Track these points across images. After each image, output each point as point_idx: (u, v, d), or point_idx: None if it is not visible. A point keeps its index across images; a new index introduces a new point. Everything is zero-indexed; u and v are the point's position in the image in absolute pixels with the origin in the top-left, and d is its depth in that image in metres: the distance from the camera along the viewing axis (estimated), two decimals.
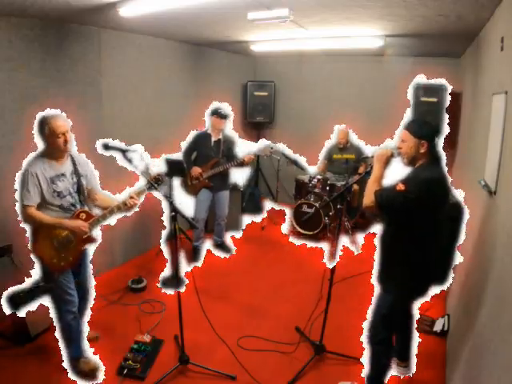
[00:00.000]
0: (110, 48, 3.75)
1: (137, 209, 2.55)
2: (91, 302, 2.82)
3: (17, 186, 2.37)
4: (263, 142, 5.01)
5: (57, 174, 2.39)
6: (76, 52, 3.41)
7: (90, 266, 2.73)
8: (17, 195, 2.38)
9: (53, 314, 2.55)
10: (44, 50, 3.13)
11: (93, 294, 2.82)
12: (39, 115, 2.36)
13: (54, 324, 2.58)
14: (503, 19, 2.34)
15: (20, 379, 2.53)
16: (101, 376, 2.55)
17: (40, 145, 2.39)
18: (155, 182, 2.49)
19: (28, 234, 2.43)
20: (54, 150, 2.37)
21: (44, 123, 2.30)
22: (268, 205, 5.90)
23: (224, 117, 4.04)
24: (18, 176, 2.36)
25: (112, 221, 2.60)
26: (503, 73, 2.27)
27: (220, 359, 2.77)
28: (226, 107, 4.17)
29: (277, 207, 5.77)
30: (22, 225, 2.42)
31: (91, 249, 2.65)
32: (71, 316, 2.51)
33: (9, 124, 2.98)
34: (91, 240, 2.51)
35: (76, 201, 2.48)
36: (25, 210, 2.32)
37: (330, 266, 2.68)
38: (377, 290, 2.32)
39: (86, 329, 2.88)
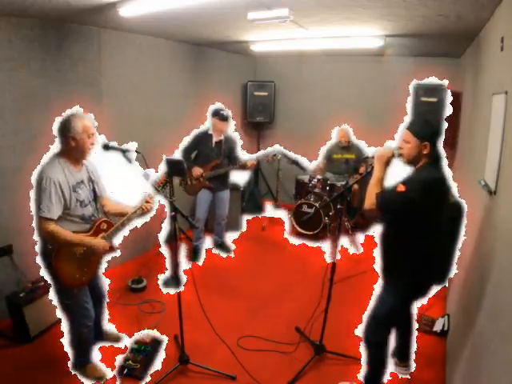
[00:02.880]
0: (110, 48, 3.75)
1: (153, 213, 2.49)
2: (106, 302, 2.82)
3: (35, 193, 2.14)
4: (267, 149, 5.02)
5: (77, 181, 2.25)
6: (76, 52, 3.41)
7: (102, 270, 2.69)
8: (33, 204, 2.15)
9: (66, 325, 2.46)
10: (44, 50, 3.13)
11: (106, 295, 2.80)
12: (66, 114, 2.21)
13: (65, 334, 2.52)
14: (503, 19, 2.34)
15: (20, 379, 2.53)
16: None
17: (59, 147, 2.23)
18: (163, 185, 2.45)
19: (40, 247, 2.24)
20: (77, 151, 2.20)
21: (73, 121, 2.14)
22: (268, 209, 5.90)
23: (225, 119, 4.03)
24: (37, 182, 2.13)
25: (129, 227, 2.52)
26: (503, 73, 2.27)
27: (220, 359, 2.77)
28: (227, 109, 4.15)
29: (275, 213, 5.77)
30: (36, 237, 2.24)
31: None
32: (87, 329, 2.45)
33: (9, 124, 2.98)
34: (112, 250, 2.43)
35: (94, 209, 2.38)
36: (45, 224, 2.08)
37: (330, 261, 2.67)
38: (376, 290, 2.32)
39: (109, 330, 2.93)
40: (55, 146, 2.27)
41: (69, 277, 2.25)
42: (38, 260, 2.28)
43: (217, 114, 4.02)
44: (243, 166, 4.17)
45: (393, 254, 2.21)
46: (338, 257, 2.70)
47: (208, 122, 4.18)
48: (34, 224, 2.22)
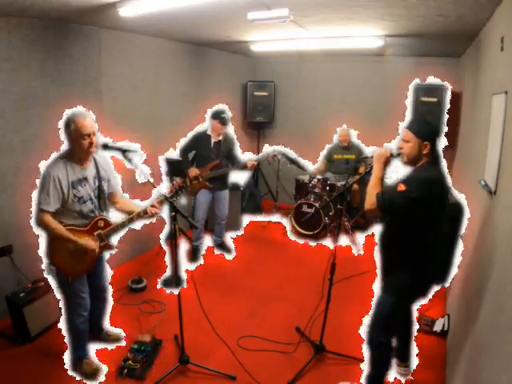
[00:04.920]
0: (110, 48, 3.75)
1: (157, 218, 2.51)
2: (110, 301, 2.85)
3: (38, 185, 2.26)
4: (267, 148, 4.97)
5: (79, 178, 2.31)
6: (76, 52, 3.41)
7: (106, 266, 2.72)
8: (34, 196, 2.28)
9: (62, 314, 2.52)
10: (44, 50, 3.13)
11: (110, 292, 2.82)
12: (66, 113, 2.27)
13: (61, 324, 2.56)
14: (503, 19, 2.34)
15: (20, 379, 2.53)
16: (101, 377, 2.55)
17: (65, 145, 2.31)
18: (179, 190, 2.46)
19: (42, 237, 2.35)
20: (77, 151, 2.28)
21: (70, 122, 2.21)
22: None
23: (226, 123, 4.02)
24: (41, 176, 2.25)
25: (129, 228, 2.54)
26: (503, 73, 2.27)
27: (220, 359, 2.77)
28: (228, 111, 4.12)
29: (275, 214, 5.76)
30: (35, 229, 2.33)
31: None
32: (81, 319, 2.49)
33: (9, 124, 2.98)
34: (108, 247, 2.48)
35: (96, 206, 2.42)
36: (40, 215, 2.22)
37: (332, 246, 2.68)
38: (377, 290, 2.32)
39: (109, 329, 2.94)
40: (64, 145, 2.34)
41: (63, 265, 2.35)
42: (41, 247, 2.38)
43: (218, 117, 3.99)
44: (243, 167, 4.17)
45: (393, 255, 2.21)
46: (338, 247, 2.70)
47: (207, 123, 4.16)
48: (32, 214, 2.31)
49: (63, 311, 2.51)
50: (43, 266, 2.42)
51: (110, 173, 2.54)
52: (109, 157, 2.54)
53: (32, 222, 2.32)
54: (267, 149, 4.69)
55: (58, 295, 2.50)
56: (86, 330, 2.59)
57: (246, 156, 4.43)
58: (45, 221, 2.22)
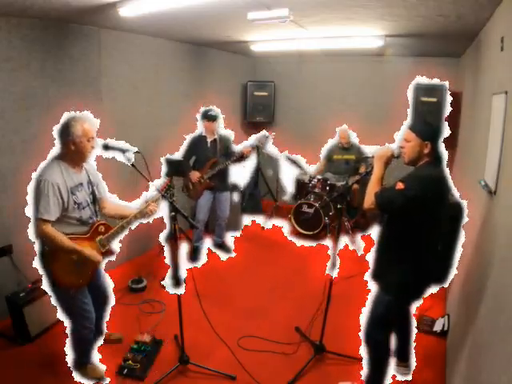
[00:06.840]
0: (110, 48, 3.75)
1: (156, 216, 2.46)
2: (110, 304, 2.76)
3: (32, 194, 2.14)
4: (259, 133, 4.92)
5: (75, 184, 2.24)
6: (76, 52, 3.41)
7: (103, 270, 2.63)
8: (31, 206, 2.15)
9: (67, 326, 2.44)
10: (44, 50, 3.13)
11: (111, 297, 2.73)
12: (70, 115, 2.19)
13: (67, 334, 2.49)
14: (503, 19, 2.34)
15: (20, 379, 2.53)
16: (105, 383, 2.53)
17: (59, 150, 2.22)
18: (166, 189, 2.43)
19: (38, 248, 2.23)
20: (77, 155, 2.20)
21: (75, 123, 2.14)
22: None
23: (214, 119, 4.04)
24: (35, 184, 2.12)
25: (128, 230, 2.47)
26: (503, 73, 2.27)
27: (220, 359, 2.77)
28: (215, 108, 4.14)
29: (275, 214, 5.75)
30: (35, 241, 2.22)
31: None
32: (87, 331, 2.43)
33: (9, 124, 2.98)
34: (110, 253, 2.42)
35: (93, 212, 2.36)
36: (41, 225, 2.09)
37: (332, 273, 2.70)
38: (374, 289, 2.32)
39: (107, 331, 2.86)
40: (55, 149, 2.25)
41: (65, 279, 2.24)
42: (36, 261, 2.26)
43: (205, 116, 4.05)
44: (241, 157, 4.17)
45: (391, 253, 2.20)
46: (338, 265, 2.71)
47: (199, 125, 4.19)
48: (31, 225, 2.21)
49: (68, 324, 2.42)
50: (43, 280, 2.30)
51: (98, 178, 2.48)
52: (93, 162, 2.46)
53: (32, 235, 2.21)
54: (256, 135, 4.70)
55: (60, 310, 2.38)
56: (92, 340, 2.55)
57: (239, 146, 4.42)
58: (47, 232, 2.10)
